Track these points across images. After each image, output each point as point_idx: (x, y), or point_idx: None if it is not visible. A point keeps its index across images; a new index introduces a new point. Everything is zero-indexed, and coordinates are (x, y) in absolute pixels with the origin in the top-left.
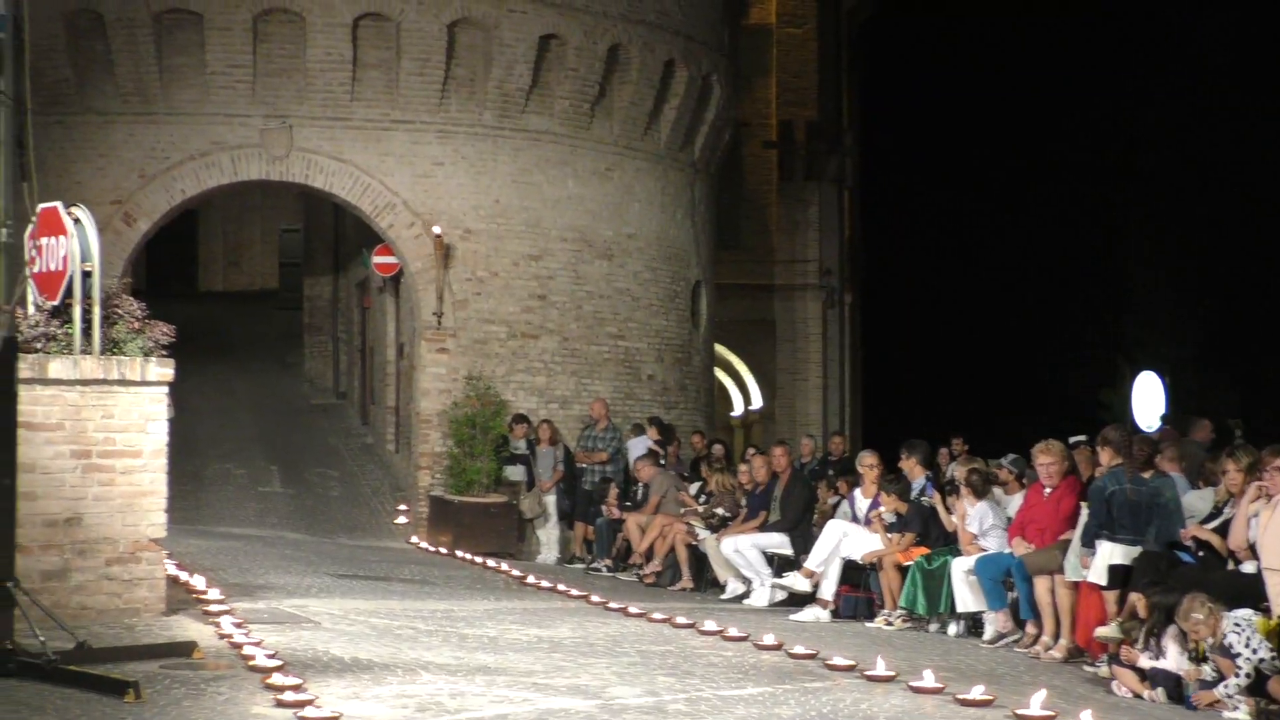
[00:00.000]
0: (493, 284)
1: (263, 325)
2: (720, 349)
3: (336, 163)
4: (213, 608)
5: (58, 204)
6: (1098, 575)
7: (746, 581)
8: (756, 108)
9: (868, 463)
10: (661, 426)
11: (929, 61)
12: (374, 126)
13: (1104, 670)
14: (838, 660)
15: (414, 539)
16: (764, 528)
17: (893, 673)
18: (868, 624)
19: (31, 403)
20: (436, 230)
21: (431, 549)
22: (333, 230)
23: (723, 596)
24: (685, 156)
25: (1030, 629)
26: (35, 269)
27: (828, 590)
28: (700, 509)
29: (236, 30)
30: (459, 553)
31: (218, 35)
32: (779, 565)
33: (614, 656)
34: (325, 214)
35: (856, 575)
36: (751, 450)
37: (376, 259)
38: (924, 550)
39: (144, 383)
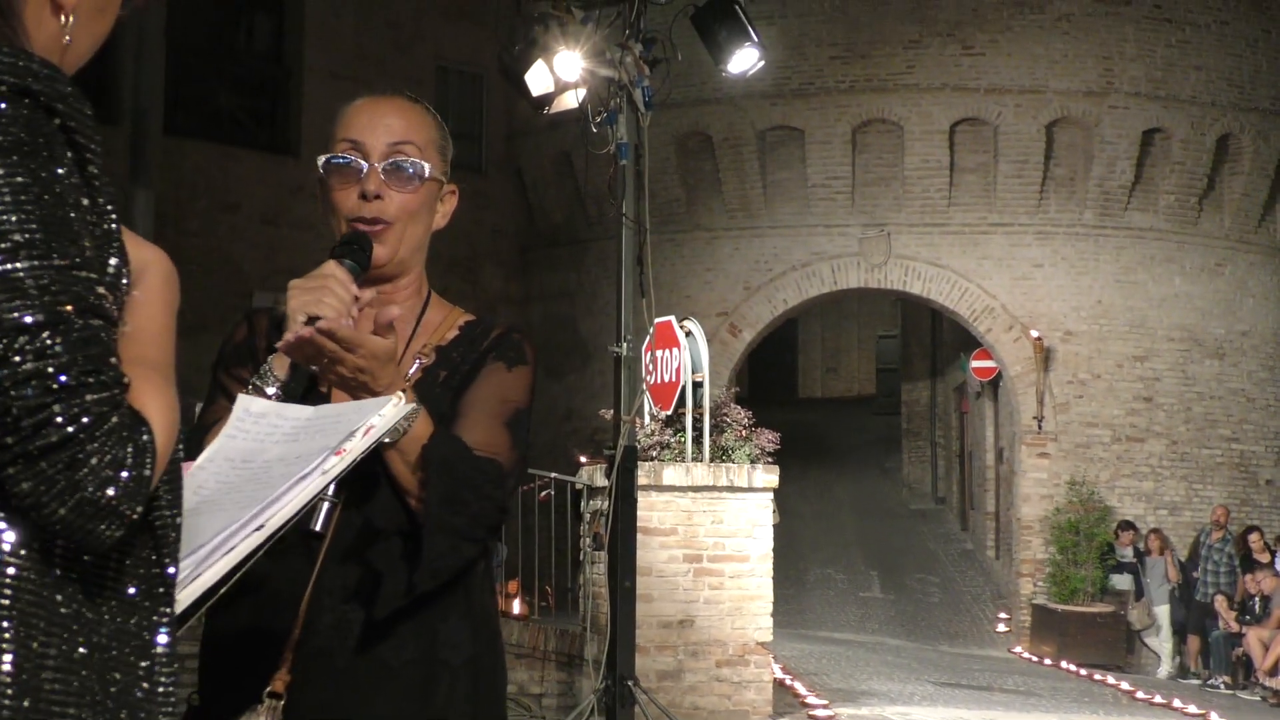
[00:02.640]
0: (1095, 386)
1: (860, 430)
2: None
3: (933, 268)
4: (818, 713)
5: (671, 318)
6: None
7: None
8: None
9: None
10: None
11: None
12: (971, 231)
13: None
14: None
15: (1016, 648)
16: None
17: None
18: None
19: (647, 508)
20: (1035, 333)
21: (1034, 659)
22: (929, 335)
23: None
24: None
25: None
26: (651, 380)
27: None
28: None
29: (836, 143)
30: (1064, 663)
31: (819, 149)
32: None
33: None
34: (922, 319)
35: None
36: None
37: (974, 363)
38: None
39: (751, 489)
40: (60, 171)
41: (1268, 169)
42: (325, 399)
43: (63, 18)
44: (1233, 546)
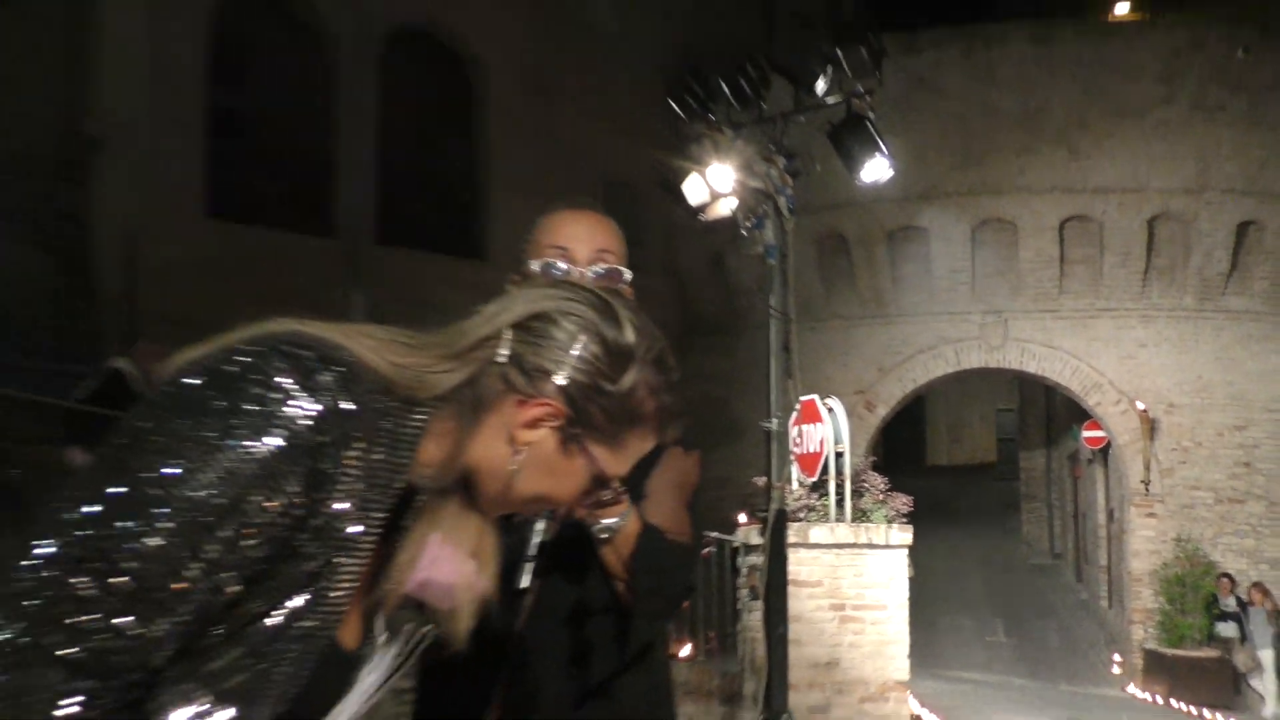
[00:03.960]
0: (1197, 454)
1: (982, 495)
2: None
3: (1047, 349)
4: None
5: (814, 396)
6: None
7: None
8: None
9: None
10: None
11: None
12: (1081, 315)
13: None
14: None
15: (1130, 688)
16: None
17: None
18: None
19: (797, 563)
20: (1141, 406)
21: (1148, 698)
22: (1044, 409)
23: None
24: None
25: None
26: (798, 451)
27: None
28: None
29: (957, 240)
30: (1175, 702)
31: (942, 245)
32: None
33: None
34: (1037, 394)
35: None
36: None
37: (1085, 433)
38: None
39: (888, 546)
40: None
41: None
42: None
43: (511, 442)
44: None
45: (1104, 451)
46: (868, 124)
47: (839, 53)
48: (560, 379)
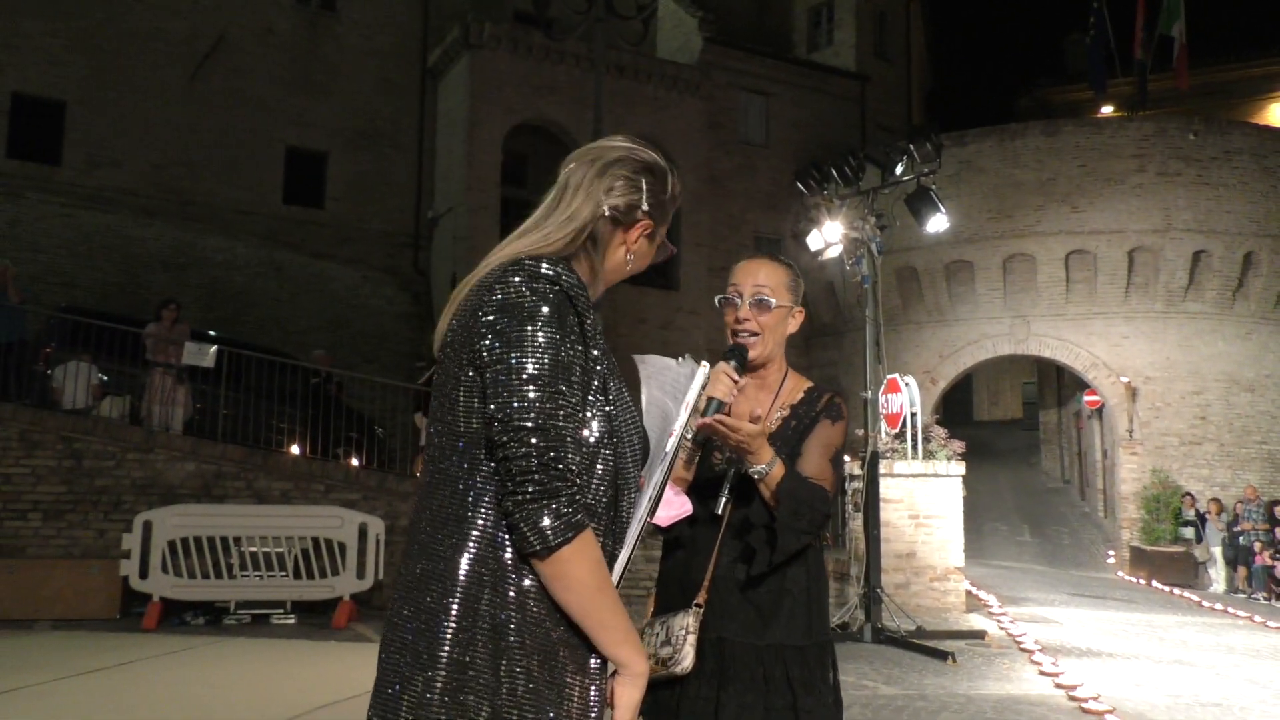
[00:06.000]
0: (1166, 411)
1: (1013, 440)
2: None
3: (1057, 340)
4: (994, 610)
5: (896, 375)
6: None
7: None
8: None
9: None
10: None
11: None
12: (1081, 317)
13: None
14: None
15: (1120, 573)
16: None
17: None
18: None
19: (885, 487)
20: (1125, 379)
21: (1133, 580)
22: (1056, 381)
23: None
24: None
25: None
26: (885, 412)
27: None
28: None
29: (993, 269)
30: (1153, 583)
31: (982, 273)
32: None
33: (1277, 660)
34: (1051, 370)
35: None
36: None
37: (1086, 398)
38: None
39: (948, 476)
40: (567, 333)
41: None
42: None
43: (627, 253)
44: (1264, 510)
45: (1099, 411)
46: (931, 193)
47: (911, 146)
48: (645, 206)
